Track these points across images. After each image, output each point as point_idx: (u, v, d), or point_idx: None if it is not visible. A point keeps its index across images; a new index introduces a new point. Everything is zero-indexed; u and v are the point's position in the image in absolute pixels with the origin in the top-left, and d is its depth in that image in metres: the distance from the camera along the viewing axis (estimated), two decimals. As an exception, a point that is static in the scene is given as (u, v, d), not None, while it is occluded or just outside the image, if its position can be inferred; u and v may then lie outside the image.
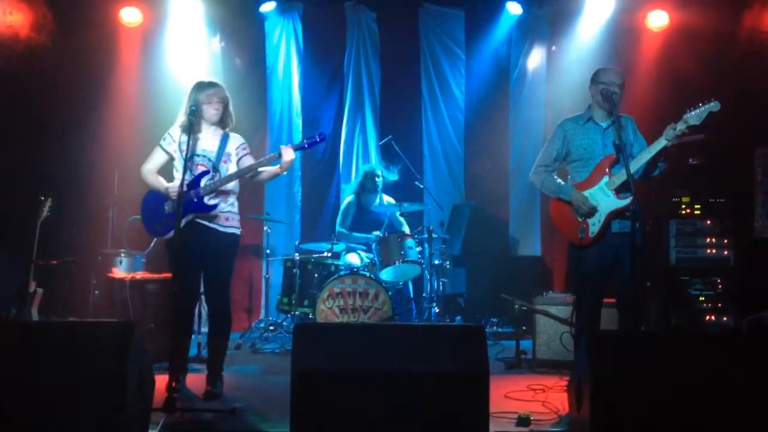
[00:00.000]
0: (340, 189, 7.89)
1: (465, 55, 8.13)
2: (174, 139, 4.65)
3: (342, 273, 6.29)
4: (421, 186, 7.35)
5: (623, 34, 7.55)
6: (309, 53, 7.98)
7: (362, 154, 7.98)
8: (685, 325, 6.19)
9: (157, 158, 4.69)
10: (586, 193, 4.39)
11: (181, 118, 4.62)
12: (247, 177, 4.70)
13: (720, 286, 6.24)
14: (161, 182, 4.63)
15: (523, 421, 3.88)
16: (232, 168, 4.66)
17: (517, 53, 8.13)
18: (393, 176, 7.15)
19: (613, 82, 4.41)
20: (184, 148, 4.53)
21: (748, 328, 5.90)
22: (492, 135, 8.10)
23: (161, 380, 3.84)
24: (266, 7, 7.69)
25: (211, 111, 4.59)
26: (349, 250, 6.82)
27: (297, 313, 6.47)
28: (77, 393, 3.22)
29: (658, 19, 7.42)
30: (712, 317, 6.23)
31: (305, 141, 4.69)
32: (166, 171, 4.72)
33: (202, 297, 5.92)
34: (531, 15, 7.97)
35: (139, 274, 5.86)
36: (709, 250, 6.29)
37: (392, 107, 8.07)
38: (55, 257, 6.30)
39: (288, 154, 4.55)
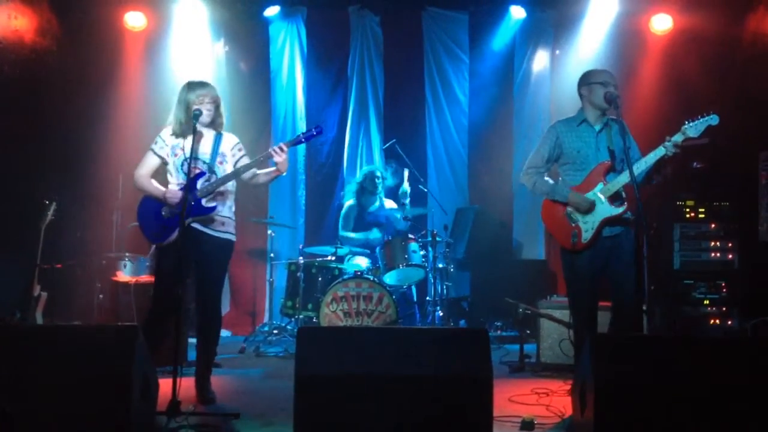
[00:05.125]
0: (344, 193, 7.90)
1: (469, 59, 8.13)
2: (166, 143, 4.56)
3: (346, 276, 6.30)
4: (425, 189, 7.35)
5: (627, 37, 7.56)
6: (313, 57, 8.00)
7: (366, 158, 7.99)
8: (689, 329, 6.17)
9: (150, 162, 4.58)
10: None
11: (173, 120, 4.54)
12: (245, 179, 4.64)
13: (724, 290, 6.22)
14: (157, 187, 4.53)
15: (527, 424, 3.87)
16: (228, 169, 4.59)
17: (520, 57, 8.14)
18: (389, 181, 7.13)
19: (610, 82, 4.38)
20: (178, 151, 4.50)
21: (753, 332, 5.88)
22: (496, 138, 8.10)
23: (165, 384, 3.84)
24: (270, 12, 7.72)
25: (203, 111, 4.45)
26: (353, 255, 6.82)
27: (301, 316, 6.47)
28: (81, 397, 3.23)
29: (661, 23, 7.41)
30: (717, 321, 6.21)
31: (302, 135, 4.60)
32: (159, 175, 4.63)
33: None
34: (534, 19, 7.98)
35: (144, 278, 5.87)
36: (713, 254, 6.27)
37: (396, 111, 8.07)
38: (60, 261, 6.31)
39: (279, 156, 4.47)
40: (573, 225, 4.38)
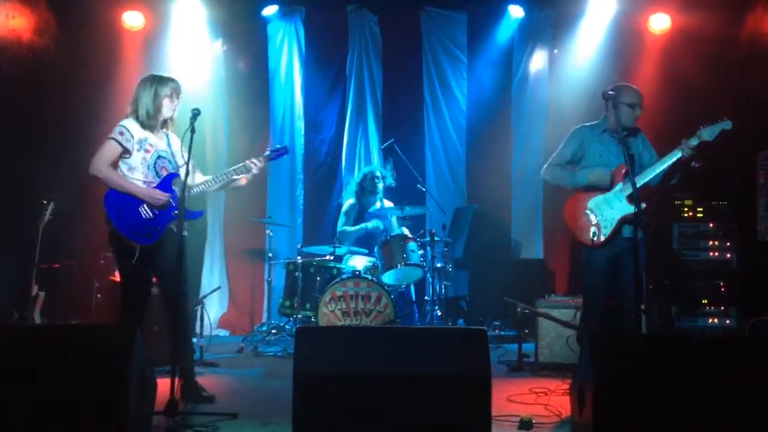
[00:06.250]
0: (342, 192, 7.89)
1: (467, 59, 8.13)
2: (133, 135, 4.33)
3: (344, 276, 6.29)
4: (423, 189, 7.34)
5: (625, 37, 7.56)
6: (311, 57, 7.99)
7: (364, 158, 7.99)
8: (687, 328, 6.17)
9: (114, 153, 4.32)
10: (601, 197, 4.59)
11: (140, 111, 4.39)
12: (214, 188, 4.59)
13: (723, 289, 6.23)
14: (132, 183, 4.32)
15: (525, 424, 3.87)
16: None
17: (519, 56, 8.13)
18: (388, 180, 7.13)
19: (637, 104, 4.62)
20: (148, 147, 4.36)
21: (751, 331, 5.89)
22: (494, 138, 8.10)
23: (163, 383, 3.83)
24: (268, 11, 7.71)
25: (171, 106, 4.41)
26: (351, 254, 6.82)
27: (299, 316, 6.46)
28: (79, 396, 3.22)
29: (660, 22, 7.42)
30: (715, 320, 6.21)
31: (271, 153, 4.71)
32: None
33: (204, 301, 5.92)
34: (533, 18, 7.97)
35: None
36: (711, 253, 6.28)
37: (394, 110, 8.07)
38: (58, 260, 6.30)
39: (257, 169, 4.53)
40: (593, 222, 4.57)
